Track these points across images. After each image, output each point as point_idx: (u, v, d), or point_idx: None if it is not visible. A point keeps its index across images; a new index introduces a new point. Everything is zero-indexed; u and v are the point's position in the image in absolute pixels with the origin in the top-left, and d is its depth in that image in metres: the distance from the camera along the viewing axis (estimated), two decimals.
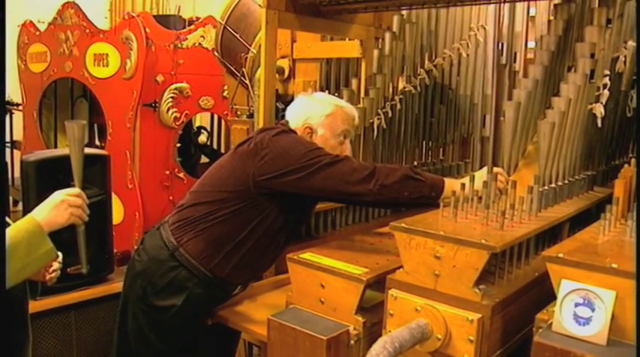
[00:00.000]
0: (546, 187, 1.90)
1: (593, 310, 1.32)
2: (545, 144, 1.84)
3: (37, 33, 5.26)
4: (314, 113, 2.16)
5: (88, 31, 4.50)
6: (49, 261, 1.67)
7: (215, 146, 5.09)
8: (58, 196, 1.67)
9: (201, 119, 4.99)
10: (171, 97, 4.15)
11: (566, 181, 2.02)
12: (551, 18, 2.36)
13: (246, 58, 3.34)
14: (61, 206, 1.65)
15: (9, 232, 1.60)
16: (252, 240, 2.05)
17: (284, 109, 3.06)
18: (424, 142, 3.12)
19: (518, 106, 1.97)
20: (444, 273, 1.55)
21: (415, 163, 3.09)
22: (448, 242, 1.54)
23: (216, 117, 4.94)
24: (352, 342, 1.72)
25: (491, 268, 1.62)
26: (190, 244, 2.06)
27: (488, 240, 1.49)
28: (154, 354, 2.18)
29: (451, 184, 1.93)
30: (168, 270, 2.08)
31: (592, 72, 1.97)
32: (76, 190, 1.71)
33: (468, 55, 3.18)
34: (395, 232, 1.64)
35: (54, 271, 1.91)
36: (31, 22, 5.38)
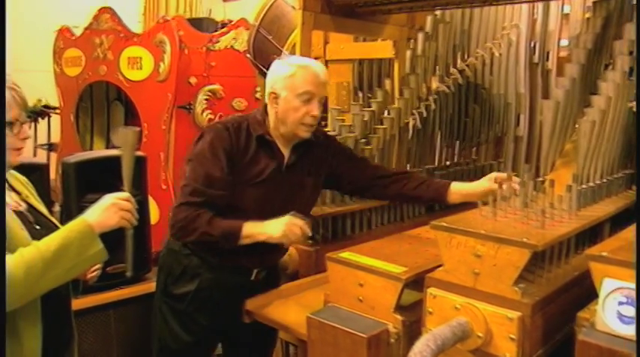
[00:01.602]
0: (585, 186, 1.88)
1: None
2: (585, 142, 1.83)
3: (73, 38, 5.37)
4: (277, 77, 2.12)
5: (122, 35, 4.58)
6: (99, 261, 1.71)
7: None
8: (109, 199, 1.72)
9: None
10: (205, 99, 4.20)
11: (605, 180, 2.00)
12: (588, 15, 2.34)
13: None
14: (111, 209, 1.70)
15: (61, 232, 1.65)
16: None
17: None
18: (457, 142, 3.12)
19: (557, 106, 1.96)
20: (484, 271, 1.55)
21: (448, 162, 3.09)
22: (489, 241, 1.54)
23: None
24: (392, 340, 1.73)
25: (530, 267, 1.61)
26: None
27: (529, 239, 1.49)
28: (181, 347, 2.24)
29: (251, 228, 2.02)
30: (182, 258, 2.18)
31: (631, 69, 1.96)
32: (126, 194, 1.76)
33: (500, 54, 3.17)
34: (436, 231, 1.64)
35: (95, 270, 1.96)
36: (67, 27, 5.49)
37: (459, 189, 2.20)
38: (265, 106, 2.18)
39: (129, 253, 1.84)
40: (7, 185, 1.79)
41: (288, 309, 2.17)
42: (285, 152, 2.18)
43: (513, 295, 1.50)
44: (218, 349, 2.50)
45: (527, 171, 1.87)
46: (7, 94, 1.66)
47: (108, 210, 1.70)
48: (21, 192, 1.82)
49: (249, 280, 2.22)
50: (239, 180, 2.10)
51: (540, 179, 2.03)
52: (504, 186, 1.85)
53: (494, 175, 2.16)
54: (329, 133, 2.51)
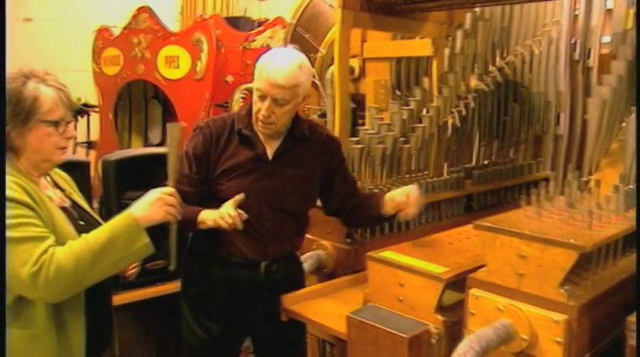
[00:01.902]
0: (632, 187, 1.83)
1: None
2: (633, 141, 1.78)
3: (112, 37, 5.45)
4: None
5: (160, 34, 4.64)
6: (144, 255, 1.73)
7: None
8: (155, 194, 1.74)
9: None
10: (242, 97, 4.22)
11: None
12: (633, 11, 2.29)
13: (316, 58, 3.36)
14: (157, 204, 1.73)
15: (108, 226, 1.67)
16: None
17: (356, 108, 3.09)
18: (496, 141, 3.07)
19: (603, 104, 1.92)
20: (528, 273, 1.52)
21: (486, 162, 3.05)
22: (535, 241, 1.51)
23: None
24: (433, 341, 1.71)
25: (575, 269, 1.57)
26: (201, 232, 2.11)
27: (577, 240, 1.46)
28: (200, 345, 2.26)
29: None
30: (196, 259, 2.21)
31: None
32: (171, 189, 1.78)
33: (540, 51, 3.12)
34: (479, 231, 1.62)
35: (135, 267, 1.98)
36: (106, 27, 5.58)
37: (391, 198, 2.16)
38: None
39: (172, 247, 1.86)
40: (51, 182, 1.82)
41: (326, 307, 2.16)
42: (271, 144, 2.16)
43: (559, 297, 1.47)
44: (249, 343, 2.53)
45: (571, 171, 1.83)
46: (55, 94, 1.69)
47: (154, 205, 1.72)
48: (65, 189, 1.85)
49: (259, 274, 2.19)
50: (221, 174, 2.12)
51: (584, 179, 1.98)
52: None
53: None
54: (368, 131, 2.50)
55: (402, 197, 2.11)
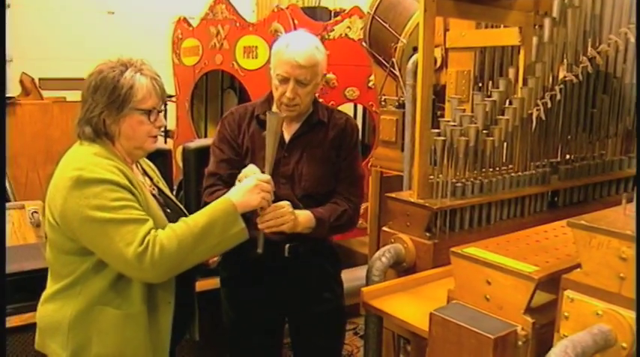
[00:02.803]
0: None
1: None
2: None
3: (190, 28, 5.53)
4: (272, 53, 2.20)
5: (238, 24, 4.67)
6: (239, 240, 1.77)
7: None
8: (252, 181, 1.81)
9: (345, 109, 5.00)
10: None
11: None
12: None
13: (396, 47, 3.29)
14: (254, 190, 1.79)
15: (207, 210, 1.73)
16: None
17: (435, 100, 2.99)
18: (584, 135, 2.92)
19: None
20: (630, 276, 1.41)
21: (572, 156, 2.90)
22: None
23: (360, 108, 4.93)
24: (520, 343, 1.62)
25: None
26: None
27: None
28: (239, 331, 2.36)
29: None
30: None
31: None
32: (267, 176, 1.85)
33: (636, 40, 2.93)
34: (573, 230, 1.52)
35: (216, 255, 2.00)
36: (184, 18, 5.67)
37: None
38: None
39: (260, 232, 1.96)
40: (141, 170, 1.85)
41: (405, 302, 2.11)
42: (289, 129, 2.23)
43: None
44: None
45: None
46: (149, 83, 1.74)
47: (251, 191, 1.78)
48: (152, 177, 1.88)
49: (284, 256, 2.24)
50: (244, 159, 2.20)
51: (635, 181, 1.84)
52: None
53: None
54: (449, 123, 2.41)
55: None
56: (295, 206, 2.17)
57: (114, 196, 1.64)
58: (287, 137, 2.22)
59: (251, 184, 1.79)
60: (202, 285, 2.70)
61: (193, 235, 1.67)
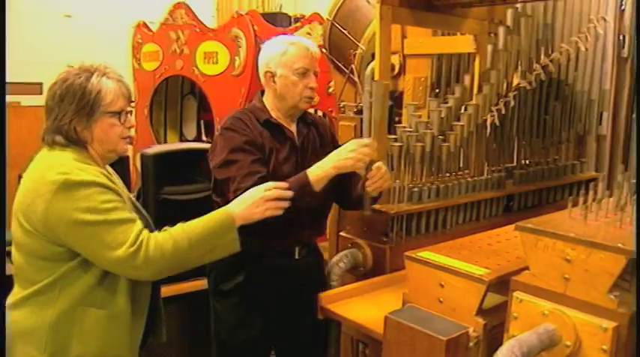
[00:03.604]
0: None
1: None
2: None
3: (150, 33, 5.50)
4: (270, 56, 2.21)
5: (198, 29, 4.66)
6: (231, 251, 1.79)
7: None
8: (258, 193, 1.84)
9: None
10: None
11: None
12: None
13: (355, 54, 3.33)
14: (259, 203, 1.81)
15: (206, 216, 1.78)
16: None
17: (392, 106, 3.04)
18: (537, 141, 3.00)
19: None
20: (574, 277, 1.47)
21: (527, 161, 2.99)
22: (580, 245, 1.46)
23: (320, 113, 4.97)
24: (471, 344, 1.67)
25: (625, 275, 1.52)
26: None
27: (625, 244, 1.40)
28: (241, 342, 2.27)
29: (316, 176, 2.05)
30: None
31: None
32: (272, 183, 1.86)
33: (586, 49, 3.04)
34: (521, 233, 1.58)
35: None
36: (144, 23, 5.63)
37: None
38: (261, 93, 2.29)
39: (368, 193, 2.06)
40: (109, 176, 1.85)
41: (362, 307, 2.15)
42: (293, 129, 2.27)
43: (608, 303, 1.42)
44: None
45: (622, 172, 1.77)
46: (116, 85, 1.76)
47: (255, 205, 1.82)
48: (116, 183, 1.88)
49: (294, 260, 2.26)
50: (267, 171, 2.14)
51: (634, 181, 1.92)
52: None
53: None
54: (406, 129, 2.46)
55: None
56: (322, 207, 2.27)
57: (103, 198, 1.66)
58: (297, 140, 2.24)
59: (257, 197, 1.81)
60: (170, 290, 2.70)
61: (189, 238, 1.71)
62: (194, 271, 1.89)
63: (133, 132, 1.85)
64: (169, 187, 2.82)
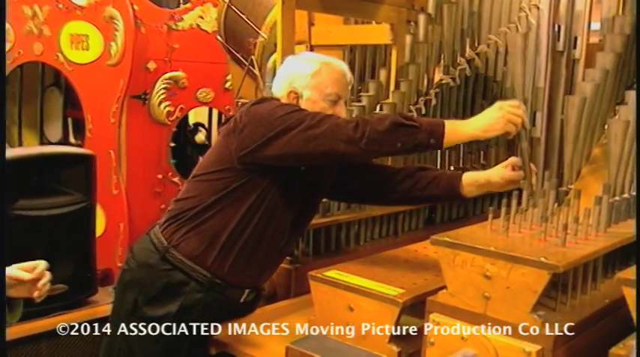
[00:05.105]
0: (618, 198, 1.91)
1: None
2: (617, 146, 1.87)
3: None
4: (298, 74, 2.19)
5: (61, 6, 4.49)
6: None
7: None
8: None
9: (197, 115, 5.01)
10: (165, 88, 4.16)
11: None
12: None
13: (256, 43, 3.38)
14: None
15: None
16: (250, 227, 2.09)
17: None
18: (463, 144, 3.14)
19: (583, 102, 2.00)
20: (495, 295, 1.58)
21: (452, 167, 3.12)
22: (500, 259, 1.56)
23: (215, 112, 4.95)
24: None
25: (551, 293, 1.64)
26: (182, 242, 2.11)
27: (548, 258, 1.51)
28: None
29: (455, 127, 1.96)
30: (160, 275, 2.14)
31: None
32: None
33: (517, 40, 3.20)
34: (437, 248, 1.67)
35: (44, 284, 1.92)
36: None
37: (473, 180, 2.23)
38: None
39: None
40: None
41: (266, 337, 2.14)
42: None
43: (532, 323, 1.53)
44: None
45: (548, 179, 1.90)
46: None
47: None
48: None
49: (238, 302, 2.22)
50: None
51: (563, 189, 2.06)
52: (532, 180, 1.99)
53: (510, 160, 2.21)
54: None
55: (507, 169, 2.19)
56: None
57: None
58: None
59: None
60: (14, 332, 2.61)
61: None
62: None
63: None
64: (24, 201, 2.75)
